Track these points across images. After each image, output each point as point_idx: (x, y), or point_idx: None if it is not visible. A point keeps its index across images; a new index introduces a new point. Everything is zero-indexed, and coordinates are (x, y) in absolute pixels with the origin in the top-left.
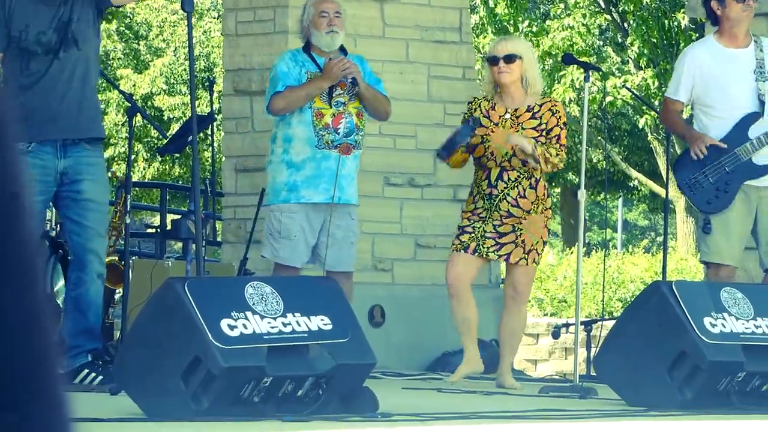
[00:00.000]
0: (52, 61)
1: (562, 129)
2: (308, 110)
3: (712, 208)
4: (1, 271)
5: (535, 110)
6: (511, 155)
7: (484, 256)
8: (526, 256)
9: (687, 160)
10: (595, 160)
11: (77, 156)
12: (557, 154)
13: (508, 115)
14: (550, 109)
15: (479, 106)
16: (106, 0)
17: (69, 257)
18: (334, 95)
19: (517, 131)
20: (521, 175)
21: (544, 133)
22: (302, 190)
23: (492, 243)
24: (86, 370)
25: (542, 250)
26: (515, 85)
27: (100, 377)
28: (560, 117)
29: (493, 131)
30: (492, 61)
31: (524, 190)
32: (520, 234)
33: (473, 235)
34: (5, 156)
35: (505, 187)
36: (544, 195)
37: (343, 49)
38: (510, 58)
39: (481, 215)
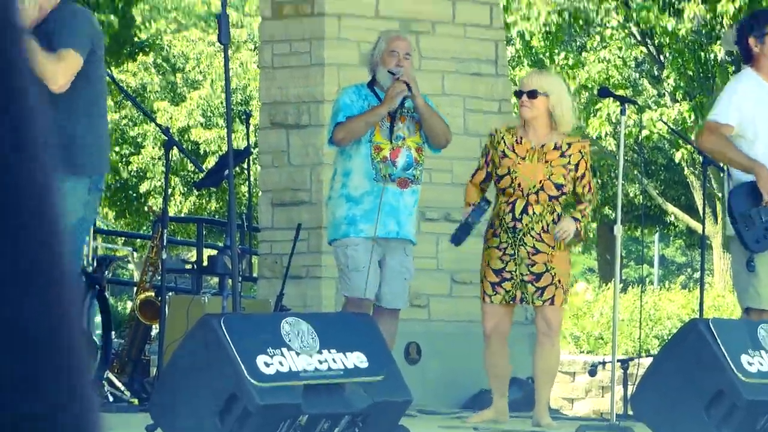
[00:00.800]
0: None
1: (590, 173)
2: (367, 144)
3: (759, 248)
4: (33, 285)
5: (563, 149)
6: (538, 188)
7: (530, 303)
8: (565, 296)
9: (744, 191)
10: (631, 195)
11: None
12: (590, 201)
13: (534, 150)
14: (580, 151)
15: (503, 139)
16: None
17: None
18: (394, 129)
19: (545, 166)
20: (545, 209)
21: (570, 173)
22: (360, 224)
23: (533, 289)
24: None
25: (569, 285)
26: (537, 120)
27: None
28: (588, 160)
29: (519, 164)
30: (517, 94)
31: (547, 225)
32: (554, 273)
33: (514, 281)
34: (40, 179)
35: (529, 221)
36: None
37: (408, 87)
38: (533, 94)
39: (508, 252)
